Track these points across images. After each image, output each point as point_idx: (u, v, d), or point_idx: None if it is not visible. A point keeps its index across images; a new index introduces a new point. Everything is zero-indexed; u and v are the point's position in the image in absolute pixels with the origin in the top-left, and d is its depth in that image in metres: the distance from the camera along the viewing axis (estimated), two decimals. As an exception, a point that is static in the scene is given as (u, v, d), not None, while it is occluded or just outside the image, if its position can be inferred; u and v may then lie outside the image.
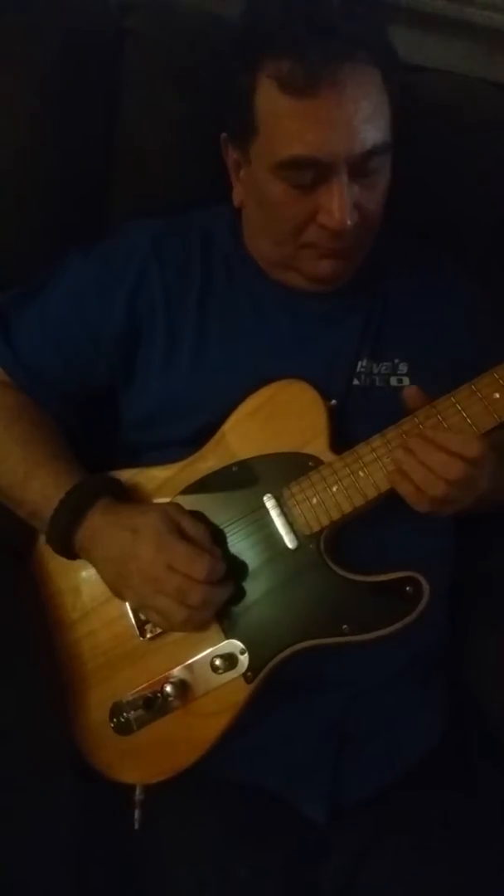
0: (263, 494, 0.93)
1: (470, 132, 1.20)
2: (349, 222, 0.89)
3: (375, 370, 1.01)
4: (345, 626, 0.89)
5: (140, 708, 0.92)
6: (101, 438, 1.07)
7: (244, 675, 0.90)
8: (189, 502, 0.95)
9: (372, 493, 0.89)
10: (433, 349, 1.03)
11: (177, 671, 0.92)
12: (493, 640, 1.14)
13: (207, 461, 0.97)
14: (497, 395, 0.86)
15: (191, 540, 0.88)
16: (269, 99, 0.88)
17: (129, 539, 0.88)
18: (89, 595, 0.98)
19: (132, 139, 1.15)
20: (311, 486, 0.91)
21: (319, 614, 0.90)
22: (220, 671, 0.90)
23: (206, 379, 1.00)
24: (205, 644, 0.92)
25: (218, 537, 0.93)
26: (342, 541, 0.93)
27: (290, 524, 0.91)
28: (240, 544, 0.93)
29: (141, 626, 0.95)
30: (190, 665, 0.92)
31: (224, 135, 0.99)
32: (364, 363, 1.01)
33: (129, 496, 0.97)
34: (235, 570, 0.92)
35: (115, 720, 0.94)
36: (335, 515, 0.90)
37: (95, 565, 0.93)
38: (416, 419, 0.88)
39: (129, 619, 0.95)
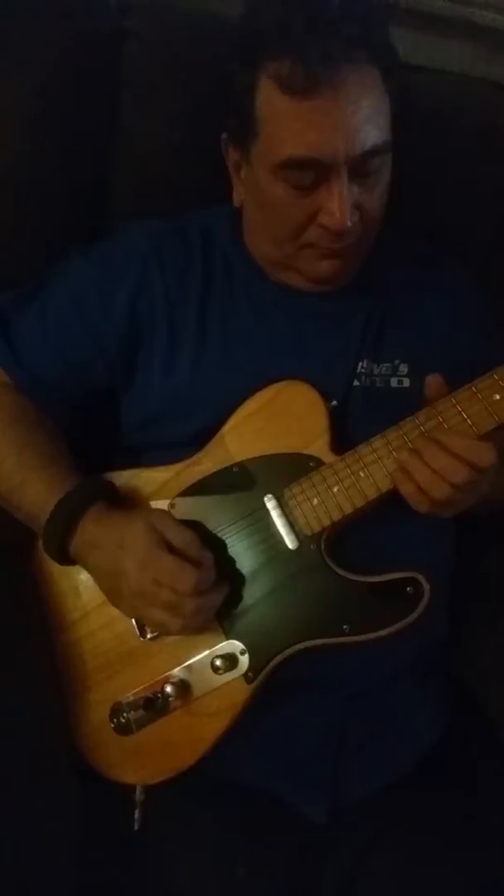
0: (264, 495, 0.93)
1: (470, 132, 1.20)
2: (349, 222, 0.89)
3: (376, 371, 1.01)
4: (345, 627, 0.89)
5: (140, 708, 0.92)
6: (101, 439, 1.07)
7: (245, 675, 0.90)
8: (189, 503, 0.95)
9: (373, 494, 0.89)
10: (434, 350, 1.03)
11: (177, 671, 0.92)
12: (493, 640, 1.14)
13: (208, 462, 0.97)
14: (497, 397, 0.86)
15: (177, 550, 0.87)
16: (269, 99, 0.88)
17: (116, 554, 0.88)
18: (89, 595, 0.98)
19: (132, 139, 1.15)
20: (312, 486, 0.91)
21: (320, 614, 0.90)
22: (221, 671, 0.90)
23: (207, 379, 1.00)
24: (205, 644, 0.92)
25: (216, 542, 0.93)
26: (343, 541, 0.93)
27: (291, 525, 0.91)
28: (240, 545, 0.93)
29: (141, 626, 0.94)
30: (190, 665, 0.92)
31: (224, 135, 0.99)
32: (364, 364, 1.01)
33: (125, 499, 0.97)
34: (236, 570, 0.92)
35: (115, 720, 0.94)
36: (336, 516, 0.90)
37: (90, 573, 0.94)
38: (416, 420, 0.89)
39: (130, 619, 0.95)
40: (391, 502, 0.89)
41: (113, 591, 0.90)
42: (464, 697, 1.10)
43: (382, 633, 0.88)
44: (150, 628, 0.93)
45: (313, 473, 0.91)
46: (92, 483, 0.96)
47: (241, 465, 0.95)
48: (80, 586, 0.99)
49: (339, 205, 0.88)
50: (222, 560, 0.91)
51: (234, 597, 0.91)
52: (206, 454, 0.97)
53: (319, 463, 0.92)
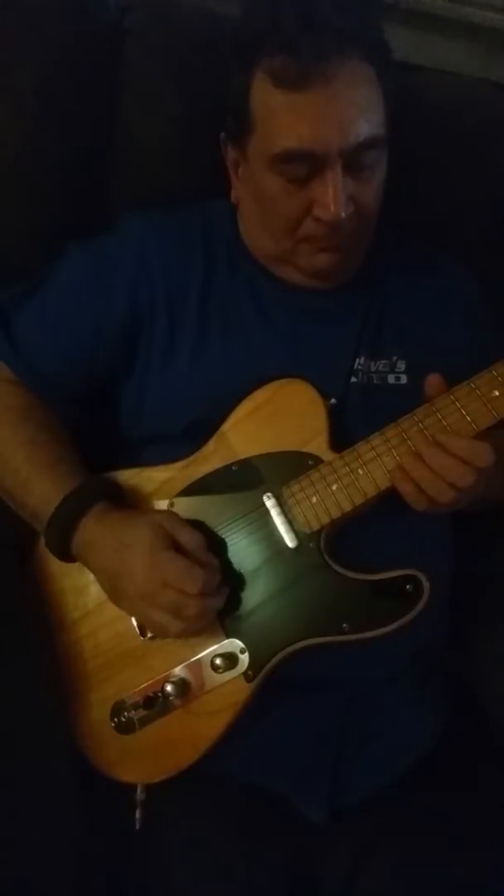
0: (263, 493, 0.93)
1: (470, 132, 1.20)
2: (343, 214, 0.90)
3: (373, 368, 1.01)
4: (345, 625, 0.89)
5: (141, 707, 0.93)
6: (101, 434, 1.07)
7: (244, 674, 0.90)
8: (188, 502, 0.95)
9: (372, 492, 0.89)
10: (431, 347, 1.03)
11: (177, 670, 0.92)
12: (493, 640, 1.14)
13: (207, 461, 0.97)
14: (496, 393, 0.86)
15: (185, 551, 0.87)
16: (264, 94, 0.90)
17: (122, 554, 0.88)
18: (90, 595, 0.98)
19: (132, 139, 1.15)
20: (311, 484, 0.91)
21: (319, 613, 0.90)
22: (221, 670, 0.90)
23: (205, 371, 1.00)
24: (205, 643, 0.92)
25: (216, 541, 0.93)
26: (342, 539, 0.93)
27: (290, 523, 0.91)
28: (240, 544, 0.93)
29: (142, 625, 0.94)
30: (190, 664, 0.92)
31: (223, 135, 1.00)
32: (362, 361, 1.01)
33: (127, 498, 0.97)
34: (235, 569, 0.92)
35: (116, 719, 0.94)
36: (335, 514, 0.90)
37: (92, 572, 0.94)
38: (415, 417, 0.88)
39: (130, 618, 0.95)
40: (391, 500, 0.89)
41: (116, 590, 0.90)
42: (464, 697, 1.10)
43: (382, 631, 0.88)
44: (149, 629, 0.93)
45: (312, 472, 0.91)
46: (96, 482, 0.96)
47: (240, 463, 0.95)
48: (81, 586, 0.99)
49: (333, 196, 0.89)
50: (222, 559, 0.91)
51: (234, 596, 0.91)
52: (205, 453, 0.97)
53: (318, 461, 0.92)
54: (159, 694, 0.92)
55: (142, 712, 0.93)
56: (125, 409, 1.06)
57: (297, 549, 0.91)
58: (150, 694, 0.92)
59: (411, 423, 0.88)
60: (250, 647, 0.90)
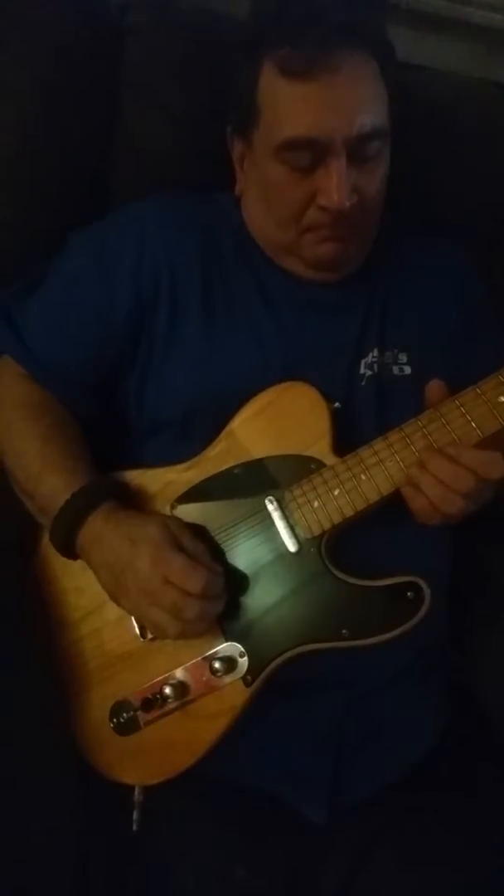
0: (265, 497, 0.92)
1: (470, 132, 1.20)
2: (347, 203, 0.91)
3: (378, 359, 1.02)
4: (344, 631, 0.88)
5: (140, 709, 0.92)
6: (106, 428, 1.06)
7: (243, 678, 0.90)
8: (191, 505, 0.95)
9: (374, 497, 0.89)
10: (434, 342, 1.03)
11: (177, 673, 0.92)
12: (493, 640, 1.14)
13: (210, 463, 0.97)
14: (502, 398, 0.86)
15: (189, 554, 0.87)
16: (270, 85, 0.91)
17: (128, 549, 0.88)
18: (92, 595, 0.97)
19: (132, 138, 1.15)
20: (313, 488, 0.91)
21: (319, 618, 0.90)
22: (220, 674, 0.90)
23: (207, 360, 1.00)
24: (205, 646, 0.92)
25: (217, 544, 0.93)
26: (343, 544, 0.92)
27: (292, 527, 0.91)
28: (241, 547, 0.92)
29: (142, 626, 0.94)
30: (190, 667, 0.92)
31: (229, 128, 1.01)
32: (367, 352, 1.02)
33: (133, 499, 0.97)
34: (236, 572, 0.92)
35: (115, 720, 0.94)
36: (336, 519, 0.90)
37: (93, 570, 0.93)
38: (419, 422, 0.88)
39: (131, 619, 0.95)
40: (392, 506, 0.89)
41: (117, 586, 0.90)
42: (464, 697, 1.10)
43: (382, 637, 0.87)
44: (147, 628, 0.93)
45: (314, 475, 0.91)
46: (105, 481, 0.97)
47: (243, 466, 0.95)
48: (82, 585, 0.99)
49: (336, 185, 0.90)
50: (223, 562, 0.91)
51: (235, 599, 0.91)
52: (208, 455, 0.97)
53: (320, 465, 0.92)
54: (158, 696, 0.92)
55: (141, 714, 0.92)
56: (129, 399, 1.06)
57: (298, 553, 0.91)
58: (150, 695, 0.92)
59: (415, 427, 0.88)
60: (250, 650, 0.90)
